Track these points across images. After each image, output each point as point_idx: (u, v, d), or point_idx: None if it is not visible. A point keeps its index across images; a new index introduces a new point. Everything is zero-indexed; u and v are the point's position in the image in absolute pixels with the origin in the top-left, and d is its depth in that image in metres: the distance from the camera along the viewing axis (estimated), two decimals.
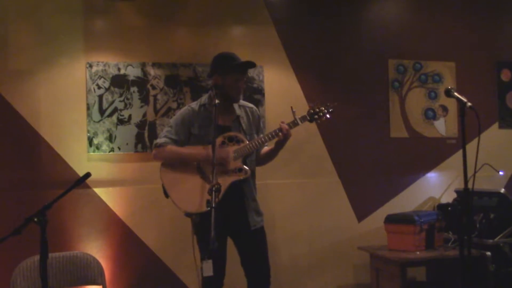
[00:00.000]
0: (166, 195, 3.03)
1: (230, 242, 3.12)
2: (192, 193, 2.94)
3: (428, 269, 4.43)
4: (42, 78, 3.92)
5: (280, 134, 3.00)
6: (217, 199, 2.40)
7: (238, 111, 3.13)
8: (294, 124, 3.03)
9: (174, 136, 3.07)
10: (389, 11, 4.79)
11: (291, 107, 3.05)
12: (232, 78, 3.01)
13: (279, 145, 3.08)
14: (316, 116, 3.08)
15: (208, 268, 2.35)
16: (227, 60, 3.04)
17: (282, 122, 3.02)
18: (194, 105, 3.16)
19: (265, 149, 3.20)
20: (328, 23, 4.58)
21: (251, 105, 3.25)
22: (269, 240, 3.17)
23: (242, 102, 3.21)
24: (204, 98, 3.16)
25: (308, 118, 3.07)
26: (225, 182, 2.91)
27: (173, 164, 3.05)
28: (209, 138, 2.92)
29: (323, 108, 3.09)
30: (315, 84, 4.48)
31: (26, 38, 3.92)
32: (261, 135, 3.11)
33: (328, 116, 3.10)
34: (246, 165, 3.01)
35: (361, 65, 4.64)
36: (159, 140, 3.09)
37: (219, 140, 2.96)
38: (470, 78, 4.87)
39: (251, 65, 3.07)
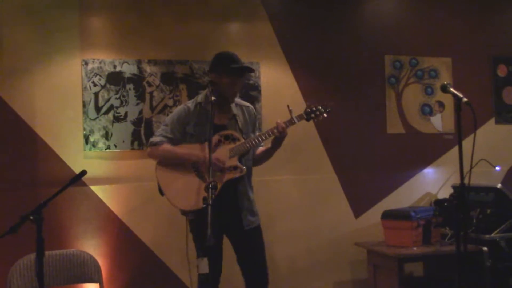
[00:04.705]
0: (162, 193, 3.02)
1: (226, 240, 3.11)
2: (188, 191, 2.93)
3: (426, 265, 4.44)
4: (38, 75, 3.90)
5: (275, 131, 2.97)
6: (213, 196, 2.39)
7: (234, 110, 3.12)
8: (290, 122, 3.02)
9: (170, 135, 3.06)
10: (385, 7, 4.79)
11: (288, 106, 3.03)
12: (228, 80, 2.98)
13: (276, 144, 3.07)
14: (312, 115, 3.07)
15: (203, 266, 2.36)
16: (226, 61, 3.00)
17: (279, 121, 3.00)
18: (190, 103, 3.13)
19: (261, 148, 3.18)
20: (325, 19, 4.56)
21: (247, 104, 3.23)
22: (266, 237, 3.16)
23: (238, 101, 3.19)
24: (200, 96, 3.14)
25: (305, 116, 3.06)
26: (220, 180, 2.90)
27: (169, 162, 3.04)
28: (205, 137, 2.90)
29: (320, 107, 3.08)
30: (311, 81, 4.47)
31: (21, 35, 3.89)
32: (257, 134, 3.10)
33: (325, 115, 3.09)
34: (241, 164, 3.00)
35: (357, 61, 4.64)
36: (154, 139, 3.07)
37: (215, 138, 2.94)
38: (467, 73, 4.87)
39: (249, 70, 3.09)
